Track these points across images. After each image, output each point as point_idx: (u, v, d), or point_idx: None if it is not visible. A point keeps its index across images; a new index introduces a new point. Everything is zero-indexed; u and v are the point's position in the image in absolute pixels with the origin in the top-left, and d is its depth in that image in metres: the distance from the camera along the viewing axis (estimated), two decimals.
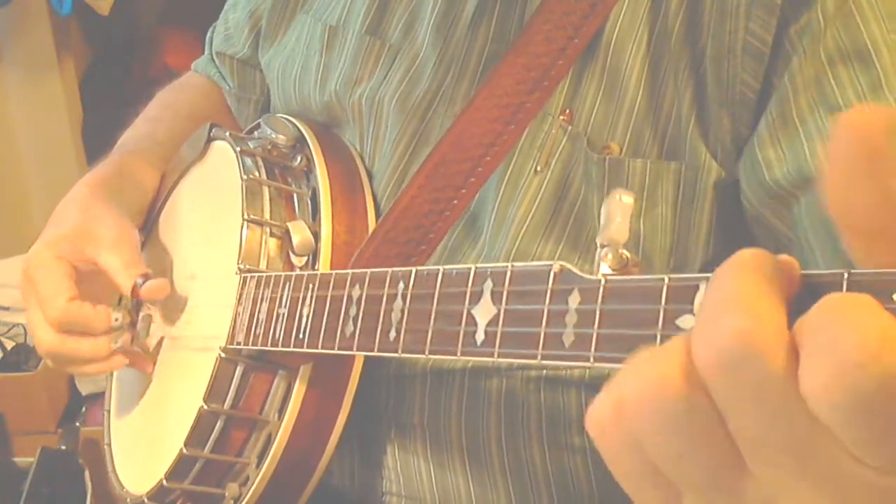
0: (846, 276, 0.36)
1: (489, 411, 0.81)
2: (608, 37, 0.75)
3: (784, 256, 0.37)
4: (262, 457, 0.80)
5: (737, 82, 0.71)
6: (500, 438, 0.82)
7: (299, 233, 0.82)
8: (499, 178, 0.78)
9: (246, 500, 0.80)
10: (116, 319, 0.88)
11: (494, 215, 0.78)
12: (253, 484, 0.80)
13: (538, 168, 0.77)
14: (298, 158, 0.88)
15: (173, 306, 0.93)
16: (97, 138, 1.76)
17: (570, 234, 0.77)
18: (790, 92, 0.69)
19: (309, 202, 0.86)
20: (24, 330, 2.08)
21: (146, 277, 0.87)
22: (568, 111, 0.76)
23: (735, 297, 0.35)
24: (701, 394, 0.35)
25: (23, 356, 2.06)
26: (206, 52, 1.15)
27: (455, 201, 0.76)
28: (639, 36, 0.74)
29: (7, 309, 2.11)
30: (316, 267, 0.81)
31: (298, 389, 0.79)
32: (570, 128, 0.76)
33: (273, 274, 0.79)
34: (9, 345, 2.08)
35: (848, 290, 0.35)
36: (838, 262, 0.68)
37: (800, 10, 0.68)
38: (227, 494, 0.82)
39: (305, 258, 0.82)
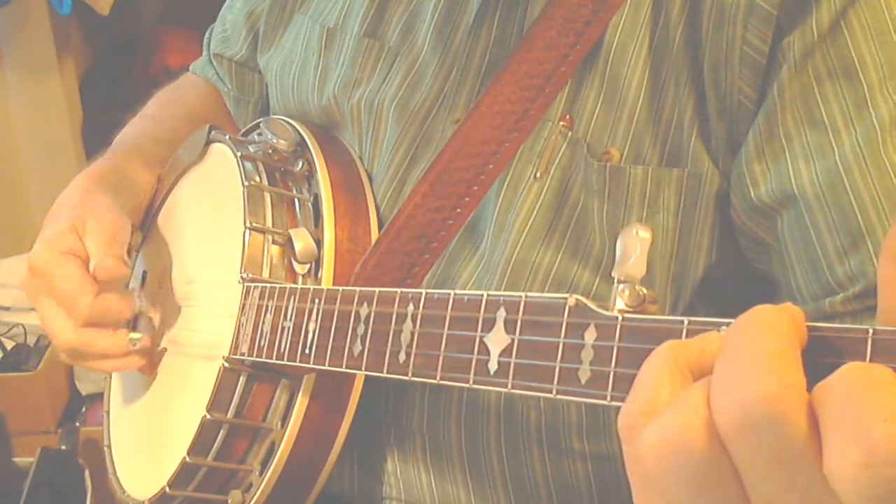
0: (871, 332, 0.36)
1: (489, 418, 0.81)
2: (608, 43, 0.75)
3: (793, 307, 0.38)
4: (265, 464, 0.80)
5: (734, 92, 0.71)
6: (499, 445, 0.81)
7: (302, 240, 0.82)
8: (498, 185, 0.78)
9: None
10: (140, 304, 0.89)
11: (494, 222, 0.78)
12: (256, 491, 0.80)
13: (538, 174, 0.77)
14: (300, 163, 0.88)
15: (173, 311, 0.93)
16: (97, 138, 1.75)
17: (570, 241, 0.77)
18: (778, 106, 0.69)
19: (311, 208, 0.85)
20: (25, 330, 2.08)
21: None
22: (567, 117, 0.76)
23: (760, 357, 0.36)
24: (721, 450, 0.37)
25: (23, 356, 2.05)
26: (204, 53, 1.15)
27: (458, 210, 0.76)
28: (639, 43, 0.74)
29: (7, 309, 2.11)
30: (319, 274, 0.81)
31: (302, 398, 0.79)
32: (569, 133, 0.76)
33: (278, 285, 0.79)
34: (9, 345, 2.08)
35: (872, 349, 0.35)
36: (814, 279, 0.69)
37: (795, 22, 0.68)
38: (230, 501, 0.82)
39: (308, 266, 0.82)
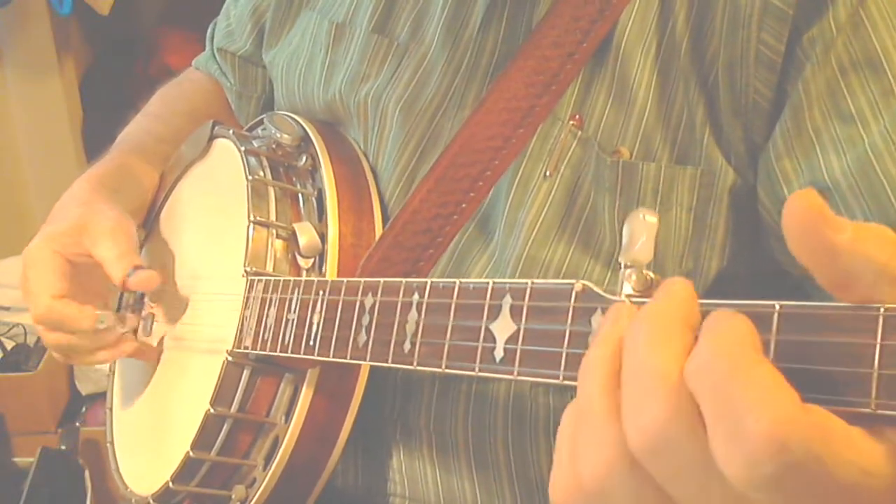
0: (882, 310, 0.36)
1: (496, 415, 0.81)
2: (617, 44, 0.75)
3: (680, 284, 0.42)
4: (268, 459, 0.80)
5: (749, 91, 0.71)
6: (506, 442, 0.81)
7: (306, 234, 0.82)
8: (508, 183, 0.78)
9: (253, 502, 0.80)
10: (101, 322, 0.88)
11: (504, 220, 0.78)
12: (260, 486, 0.80)
13: (548, 173, 0.77)
14: (303, 158, 0.88)
15: (176, 306, 0.93)
16: (97, 138, 1.75)
17: (580, 239, 0.77)
18: (804, 102, 0.69)
19: (315, 203, 0.85)
20: (25, 330, 2.08)
21: (137, 269, 0.87)
22: (578, 116, 0.76)
23: (653, 375, 0.39)
24: (642, 473, 0.40)
25: (23, 356, 2.05)
26: (208, 47, 1.14)
27: (464, 205, 0.76)
28: (647, 44, 0.74)
29: (7, 309, 2.11)
30: (323, 269, 0.81)
31: (306, 393, 0.78)
32: (580, 133, 0.76)
33: (282, 278, 0.78)
34: (9, 345, 2.08)
35: (884, 327, 0.36)
36: None
37: (812, 19, 0.68)
38: (233, 496, 0.82)
39: (312, 260, 0.82)
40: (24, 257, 0.89)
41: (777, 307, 0.39)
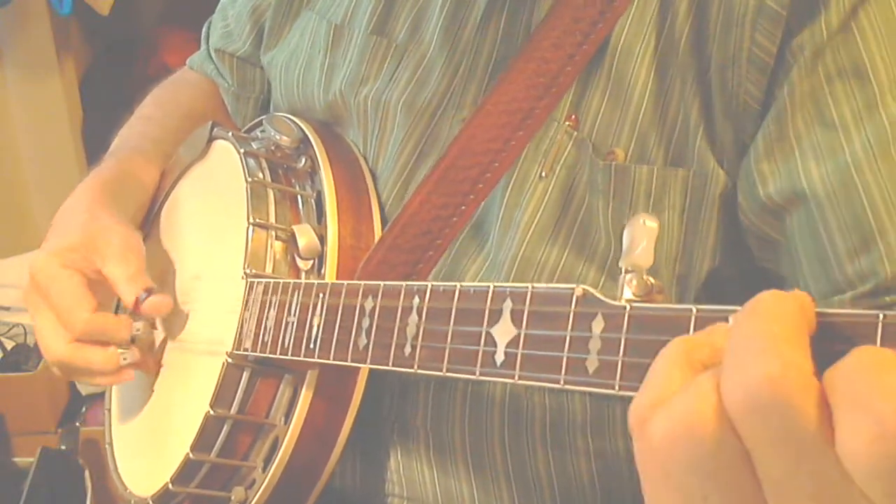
0: (881, 318, 0.36)
1: (493, 414, 0.81)
2: (615, 43, 0.75)
3: (800, 294, 0.39)
4: (268, 461, 0.80)
5: (740, 92, 0.71)
6: (503, 441, 0.81)
7: (305, 236, 0.82)
8: (504, 184, 0.78)
9: (252, 503, 0.80)
10: (138, 329, 0.88)
11: (500, 220, 0.78)
12: (259, 488, 0.80)
13: (543, 174, 0.77)
14: (303, 160, 0.88)
15: (177, 308, 0.93)
16: (97, 138, 1.75)
17: (575, 240, 0.77)
18: (788, 106, 0.69)
19: (314, 204, 0.85)
20: (25, 330, 2.08)
21: (150, 292, 0.86)
22: (573, 116, 0.76)
23: (765, 341, 0.36)
24: (730, 433, 0.37)
25: (23, 356, 2.05)
26: (203, 47, 1.14)
27: (463, 207, 0.76)
28: (645, 43, 0.74)
29: (7, 309, 2.10)
30: (322, 271, 0.81)
31: (305, 394, 0.79)
32: (575, 133, 0.76)
33: (281, 280, 0.78)
34: (9, 345, 2.07)
35: (883, 335, 0.35)
36: (823, 277, 0.69)
37: (804, 22, 0.68)
38: (232, 498, 0.82)
39: (311, 262, 0.82)
40: (32, 271, 0.88)
41: None
